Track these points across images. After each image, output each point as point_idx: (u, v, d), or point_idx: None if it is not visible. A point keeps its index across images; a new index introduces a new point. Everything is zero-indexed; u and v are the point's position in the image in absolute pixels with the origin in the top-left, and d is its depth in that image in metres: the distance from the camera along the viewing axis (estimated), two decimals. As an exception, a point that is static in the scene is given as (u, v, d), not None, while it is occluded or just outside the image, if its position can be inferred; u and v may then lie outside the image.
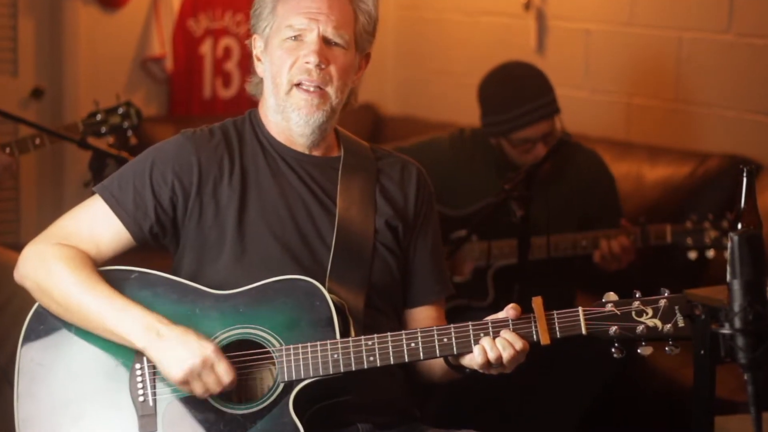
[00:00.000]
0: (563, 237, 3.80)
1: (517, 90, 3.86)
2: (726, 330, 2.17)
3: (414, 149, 3.95)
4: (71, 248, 2.50)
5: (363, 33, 2.59)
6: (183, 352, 2.36)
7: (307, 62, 2.51)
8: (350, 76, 2.58)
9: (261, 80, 2.62)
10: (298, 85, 2.53)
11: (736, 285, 2.17)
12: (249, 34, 2.67)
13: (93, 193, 2.58)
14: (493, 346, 2.36)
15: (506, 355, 2.36)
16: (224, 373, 2.37)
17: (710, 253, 3.73)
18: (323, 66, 2.51)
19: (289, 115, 2.55)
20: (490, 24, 5.24)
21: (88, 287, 2.44)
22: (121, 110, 3.83)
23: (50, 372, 2.47)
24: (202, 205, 2.55)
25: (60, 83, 5.01)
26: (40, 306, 2.51)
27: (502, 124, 3.86)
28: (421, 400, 2.68)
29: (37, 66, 5.00)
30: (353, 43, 2.57)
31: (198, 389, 2.38)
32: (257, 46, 2.62)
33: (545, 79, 3.90)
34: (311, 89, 2.52)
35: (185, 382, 2.37)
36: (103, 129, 3.81)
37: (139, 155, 2.62)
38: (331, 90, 2.53)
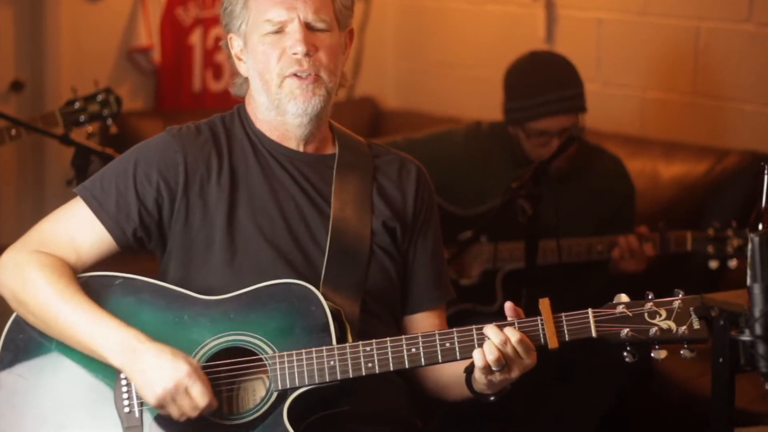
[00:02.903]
0: (577, 241, 3.80)
1: (543, 77, 3.86)
2: (746, 337, 2.18)
3: (426, 141, 3.95)
4: (49, 256, 2.50)
5: (342, 9, 2.60)
6: (156, 375, 2.36)
7: (294, 53, 2.52)
8: (339, 57, 2.59)
9: (245, 80, 2.63)
10: (289, 75, 2.53)
11: (757, 289, 2.17)
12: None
13: (76, 194, 2.59)
14: (493, 349, 2.35)
15: (497, 340, 2.34)
16: (199, 396, 2.36)
17: (732, 263, 3.72)
18: (311, 53, 2.52)
19: (285, 107, 2.55)
20: (495, 13, 5.24)
21: (65, 300, 2.44)
22: (100, 97, 3.82)
23: (31, 383, 2.48)
24: (188, 206, 2.55)
25: (41, 76, 5.01)
26: (18, 315, 2.51)
27: (522, 110, 3.86)
28: (424, 411, 2.68)
29: (16, 58, 5.00)
30: (335, 22, 2.58)
31: (174, 413, 2.38)
32: (235, 45, 2.62)
33: (575, 72, 3.90)
34: (303, 75, 2.53)
35: (160, 406, 2.38)
36: (82, 118, 3.80)
37: (123, 154, 2.62)
38: (324, 75, 2.54)
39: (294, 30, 2.53)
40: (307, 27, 2.53)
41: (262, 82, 2.56)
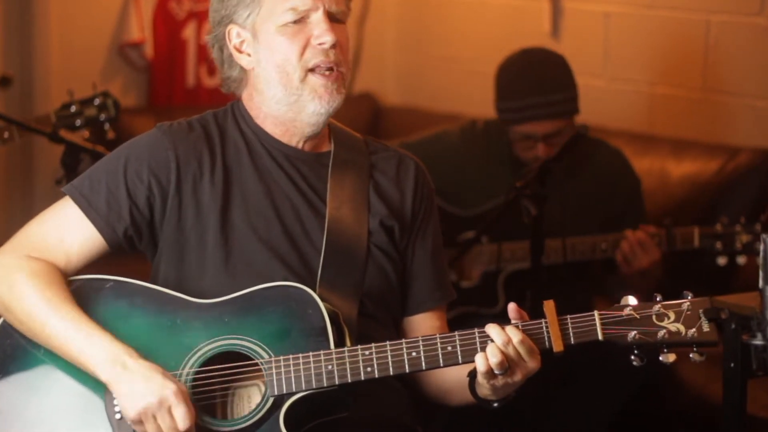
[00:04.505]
0: (581, 240, 3.80)
1: (531, 79, 3.86)
2: (758, 341, 2.18)
3: (421, 144, 3.95)
4: (38, 261, 2.50)
5: (348, 2, 2.61)
6: (141, 389, 2.35)
7: (321, 43, 2.51)
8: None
9: (244, 75, 2.61)
10: (312, 70, 2.53)
11: (770, 291, 2.17)
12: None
13: (65, 193, 2.58)
14: (496, 351, 2.35)
15: (499, 341, 2.34)
16: (181, 418, 2.34)
17: (741, 260, 3.73)
18: (336, 45, 2.52)
19: (305, 104, 2.54)
20: (499, 6, 5.24)
21: (53, 308, 2.44)
22: (97, 101, 3.82)
23: (19, 390, 2.47)
24: (181, 205, 2.54)
25: (30, 71, 5.01)
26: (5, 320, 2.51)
27: (508, 112, 3.88)
28: (426, 417, 2.68)
29: (4, 52, 5.00)
30: (346, 15, 2.59)
31: (151, 431, 2.36)
32: (233, 37, 2.59)
33: (567, 73, 3.89)
34: (326, 73, 2.52)
35: (138, 421, 2.36)
36: (78, 122, 3.80)
37: (113, 152, 2.61)
38: (344, 69, 2.55)
39: (319, 19, 2.52)
40: (330, 17, 2.54)
41: (280, 75, 2.55)
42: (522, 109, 3.83)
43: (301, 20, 2.53)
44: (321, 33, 2.52)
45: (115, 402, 2.42)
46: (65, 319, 2.43)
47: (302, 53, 2.52)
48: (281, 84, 2.55)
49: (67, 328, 2.42)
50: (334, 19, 2.54)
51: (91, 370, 2.41)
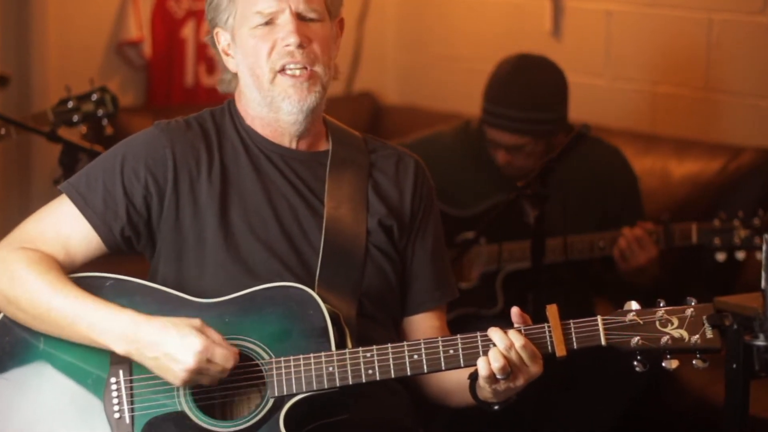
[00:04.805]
0: (579, 238, 3.81)
1: (511, 89, 3.87)
2: (761, 342, 2.18)
3: (415, 145, 3.96)
4: (36, 252, 2.50)
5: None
6: (173, 361, 2.36)
7: (287, 45, 2.52)
8: (332, 48, 2.59)
9: (234, 76, 2.63)
10: (281, 71, 2.53)
11: (772, 291, 2.18)
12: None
13: (62, 191, 2.59)
14: (498, 356, 2.35)
15: (502, 345, 2.34)
16: (225, 360, 2.36)
17: (740, 255, 3.73)
18: (305, 45, 2.52)
19: (279, 105, 2.55)
20: (500, 4, 5.24)
21: (56, 291, 2.44)
22: (95, 97, 3.82)
23: (17, 387, 2.48)
24: (178, 204, 2.55)
25: (27, 70, 5.00)
26: (4, 317, 2.51)
27: (484, 111, 3.92)
28: (426, 419, 2.68)
29: (2, 51, 4.99)
30: (326, 12, 2.58)
31: (205, 383, 2.39)
32: (221, 40, 2.62)
33: (553, 96, 3.88)
34: (297, 72, 2.53)
35: (192, 383, 2.39)
36: (76, 118, 3.80)
37: (109, 150, 2.61)
38: (319, 68, 2.54)
39: (285, 21, 2.53)
40: (299, 17, 2.53)
41: (252, 78, 2.56)
42: (493, 114, 3.88)
43: (270, 22, 2.54)
44: (286, 35, 2.52)
45: (114, 400, 2.43)
46: (69, 297, 2.43)
47: (270, 55, 2.53)
48: (254, 86, 2.56)
49: (74, 306, 2.42)
50: (304, 18, 2.54)
51: (105, 345, 2.41)
